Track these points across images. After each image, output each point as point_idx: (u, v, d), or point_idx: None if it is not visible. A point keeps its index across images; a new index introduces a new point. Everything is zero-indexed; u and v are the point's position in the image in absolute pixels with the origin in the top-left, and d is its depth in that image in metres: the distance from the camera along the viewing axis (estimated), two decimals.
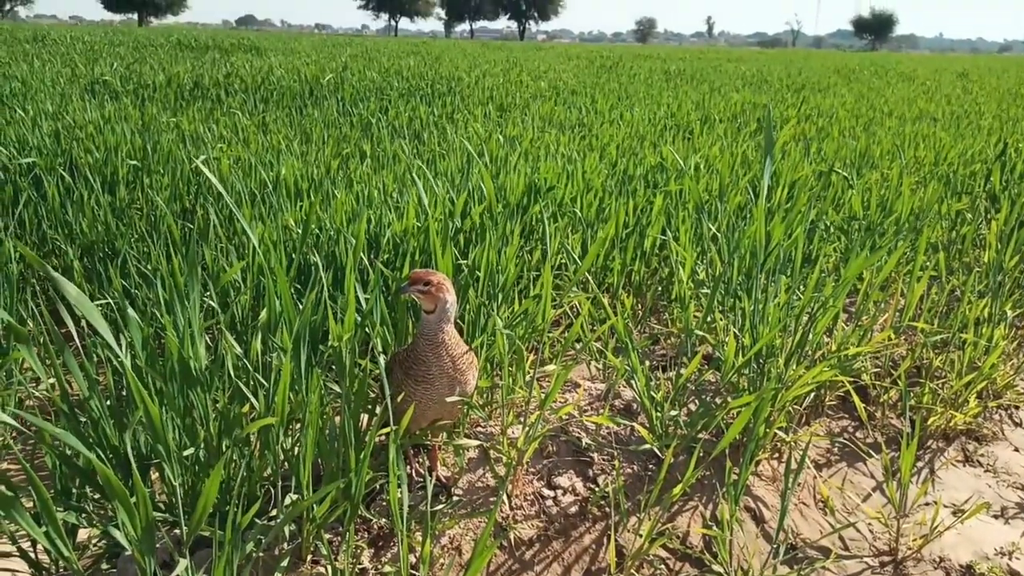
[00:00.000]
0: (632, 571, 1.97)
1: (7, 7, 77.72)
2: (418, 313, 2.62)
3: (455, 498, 2.14)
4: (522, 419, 2.32)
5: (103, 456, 1.77)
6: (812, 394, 2.66)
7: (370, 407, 2.14)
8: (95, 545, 1.94)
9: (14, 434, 2.28)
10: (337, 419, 1.95)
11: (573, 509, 2.14)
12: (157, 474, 1.97)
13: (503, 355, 2.31)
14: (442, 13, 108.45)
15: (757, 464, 2.40)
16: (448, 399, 1.94)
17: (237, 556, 1.58)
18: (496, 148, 4.81)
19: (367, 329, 2.30)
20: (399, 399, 1.92)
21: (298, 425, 1.94)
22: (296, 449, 1.84)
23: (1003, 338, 2.90)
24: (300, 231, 2.87)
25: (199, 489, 1.80)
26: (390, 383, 1.93)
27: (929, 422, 2.70)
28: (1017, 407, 3.00)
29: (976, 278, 3.17)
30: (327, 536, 1.92)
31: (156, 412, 1.59)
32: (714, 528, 2.07)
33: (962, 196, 4.65)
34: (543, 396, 2.10)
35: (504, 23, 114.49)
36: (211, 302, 2.44)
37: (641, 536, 1.99)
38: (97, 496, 1.85)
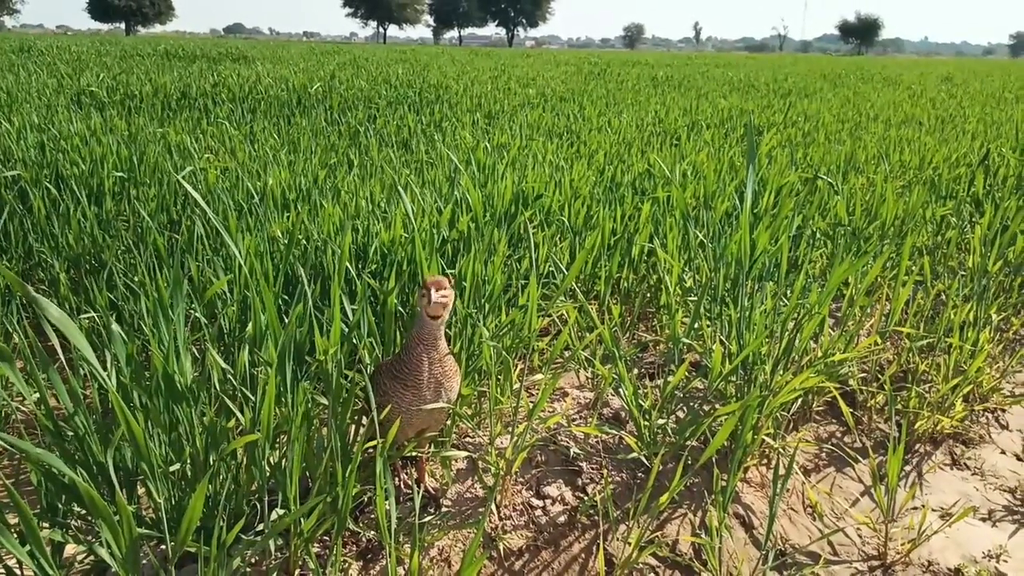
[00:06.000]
0: None
1: None
2: (406, 324, 2.63)
3: (443, 509, 2.14)
4: (510, 429, 2.32)
5: (88, 473, 1.75)
6: (799, 400, 2.67)
7: (357, 419, 2.13)
8: (82, 562, 1.93)
9: None
10: (324, 431, 1.95)
11: (562, 518, 2.15)
12: (144, 489, 1.95)
13: (490, 366, 2.31)
14: (430, 20, 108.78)
15: (745, 471, 2.41)
16: (434, 406, 1.94)
17: (224, 572, 1.57)
18: (484, 157, 4.82)
19: (354, 340, 2.30)
20: (386, 410, 1.92)
21: (284, 438, 1.94)
22: (283, 463, 1.83)
23: (988, 341, 2.91)
24: (286, 242, 2.86)
25: (185, 505, 1.79)
26: (376, 393, 1.93)
27: (916, 426, 2.72)
28: (1003, 410, 3.02)
29: (961, 282, 3.20)
30: (315, 550, 1.91)
31: (139, 431, 1.58)
32: (703, 535, 2.08)
33: (947, 200, 4.68)
34: (531, 406, 2.10)
35: (492, 30, 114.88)
36: (197, 314, 2.43)
37: (630, 544, 1.99)
38: (83, 512, 1.83)
